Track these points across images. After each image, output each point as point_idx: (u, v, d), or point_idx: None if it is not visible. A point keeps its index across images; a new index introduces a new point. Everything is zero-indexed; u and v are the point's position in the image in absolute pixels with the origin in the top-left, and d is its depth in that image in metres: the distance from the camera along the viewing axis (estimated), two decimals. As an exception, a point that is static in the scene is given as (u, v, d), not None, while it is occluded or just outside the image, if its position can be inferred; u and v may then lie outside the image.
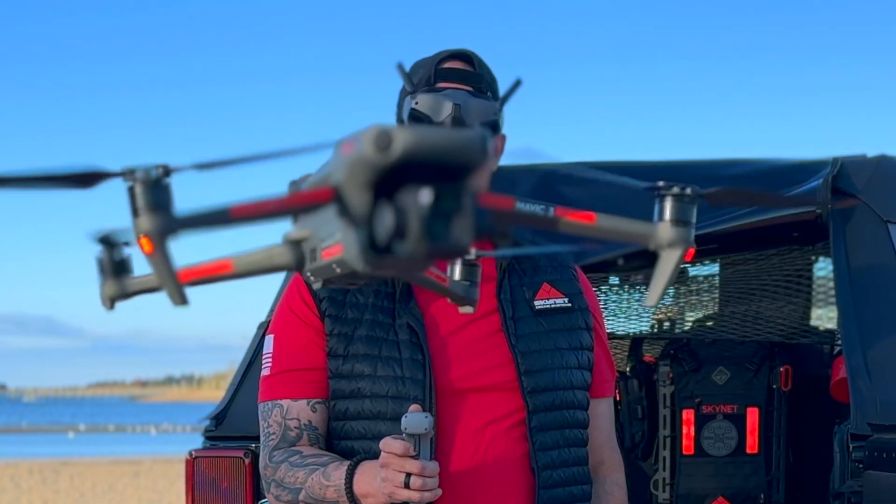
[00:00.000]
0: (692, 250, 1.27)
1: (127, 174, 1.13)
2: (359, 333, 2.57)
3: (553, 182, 3.73)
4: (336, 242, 1.16)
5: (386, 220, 1.07)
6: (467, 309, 1.49)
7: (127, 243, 1.22)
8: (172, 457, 29.45)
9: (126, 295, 1.21)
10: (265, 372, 2.64)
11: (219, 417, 3.48)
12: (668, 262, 1.27)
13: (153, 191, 1.12)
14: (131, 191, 1.13)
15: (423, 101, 2.54)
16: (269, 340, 2.65)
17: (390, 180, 1.07)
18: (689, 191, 1.27)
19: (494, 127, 2.55)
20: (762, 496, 4.21)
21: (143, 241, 1.13)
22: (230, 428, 3.45)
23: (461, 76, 2.58)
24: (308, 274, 1.23)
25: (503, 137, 2.70)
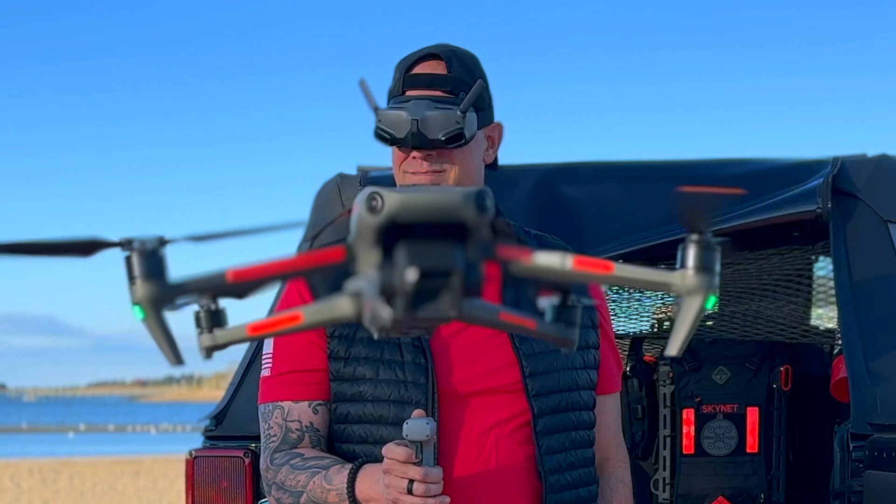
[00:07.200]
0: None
1: (125, 244, 1.18)
2: (360, 335, 2.54)
3: (553, 182, 3.72)
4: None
5: (380, 281, 1.12)
6: (566, 350, 1.42)
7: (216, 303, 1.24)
8: (172, 456, 29.45)
9: (220, 346, 1.25)
10: (265, 373, 2.62)
11: (219, 417, 3.47)
12: (690, 310, 1.25)
13: (148, 260, 1.18)
14: (128, 260, 1.19)
15: (384, 119, 2.52)
16: (269, 341, 2.62)
17: (394, 237, 1.12)
18: (714, 240, 1.25)
19: (458, 136, 2.50)
20: (762, 496, 4.21)
21: (137, 308, 1.19)
22: (230, 427, 3.44)
23: (430, 81, 2.56)
24: (369, 325, 1.22)
25: (500, 126, 2.68)
